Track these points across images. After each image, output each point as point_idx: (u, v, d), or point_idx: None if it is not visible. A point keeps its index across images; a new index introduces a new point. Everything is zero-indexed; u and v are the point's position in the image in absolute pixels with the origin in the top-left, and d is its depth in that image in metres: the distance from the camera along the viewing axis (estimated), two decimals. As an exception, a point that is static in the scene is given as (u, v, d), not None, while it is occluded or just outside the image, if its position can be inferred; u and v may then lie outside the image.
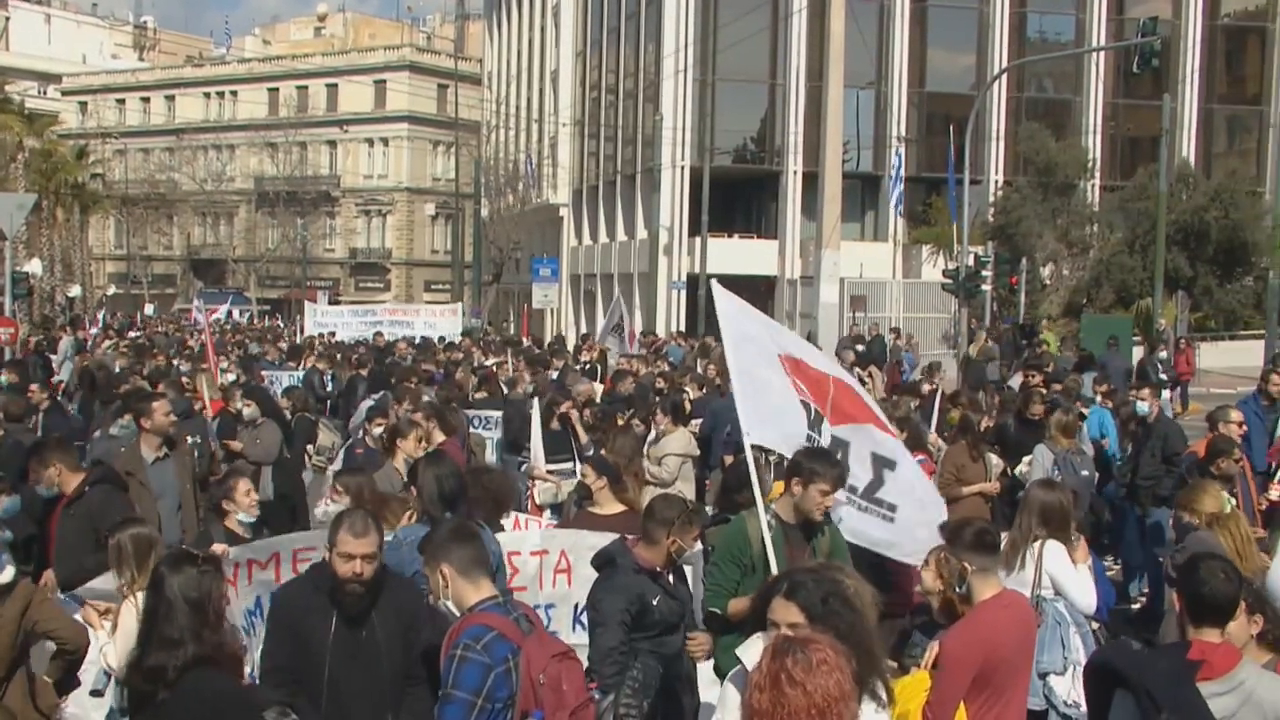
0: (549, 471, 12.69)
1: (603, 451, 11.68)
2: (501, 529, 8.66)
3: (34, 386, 15.38)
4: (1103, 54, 50.61)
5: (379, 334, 33.10)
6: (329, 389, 22.13)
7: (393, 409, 13.84)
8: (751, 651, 4.54)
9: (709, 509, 10.32)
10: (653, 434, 13.71)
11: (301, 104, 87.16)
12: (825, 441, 7.94)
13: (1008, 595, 6.21)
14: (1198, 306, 41.28)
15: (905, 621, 6.91)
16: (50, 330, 40.63)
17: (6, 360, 21.44)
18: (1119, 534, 13.80)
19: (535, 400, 14.51)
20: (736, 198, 51.36)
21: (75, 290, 59.09)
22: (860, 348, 29.66)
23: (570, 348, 33.61)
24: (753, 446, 7.85)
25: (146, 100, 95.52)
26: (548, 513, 11.89)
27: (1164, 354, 22.77)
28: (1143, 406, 13.76)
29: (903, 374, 22.97)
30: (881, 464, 8.33)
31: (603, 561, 6.86)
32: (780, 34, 49.74)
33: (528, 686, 5.10)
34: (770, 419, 7.87)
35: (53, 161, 59.13)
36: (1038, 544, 7.91)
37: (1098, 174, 49.51)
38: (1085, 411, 14.88)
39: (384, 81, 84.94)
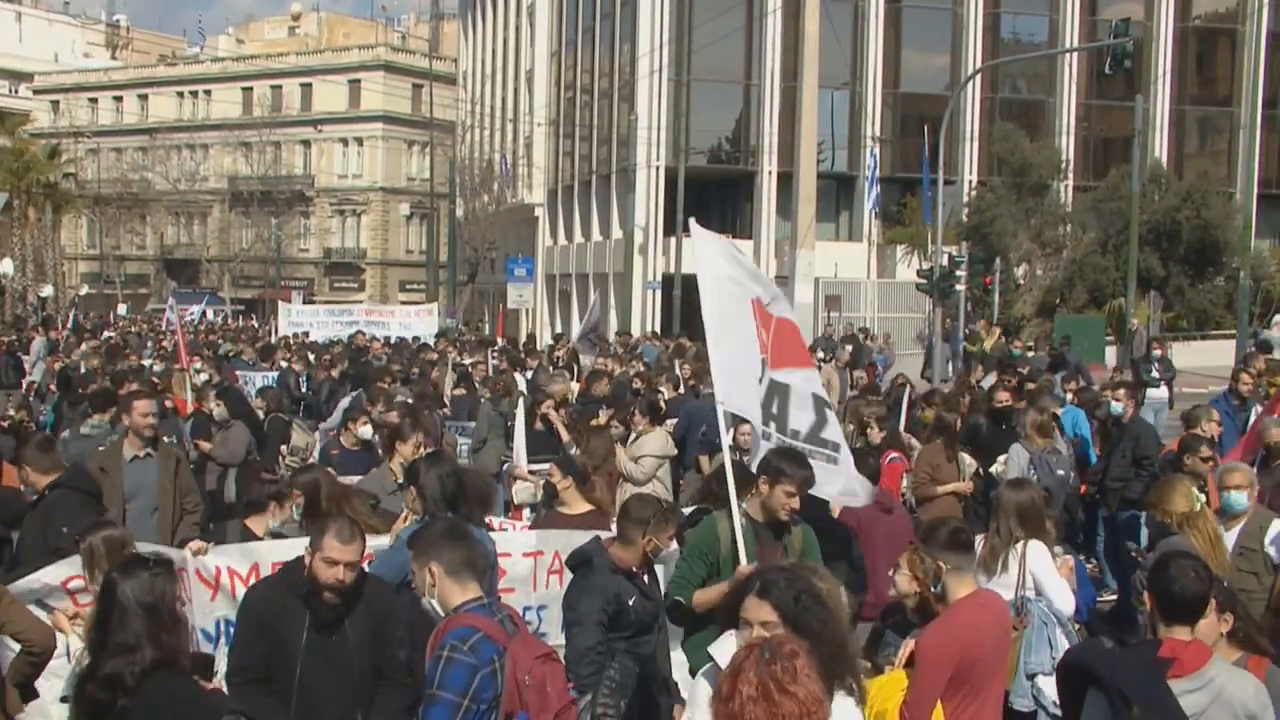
0: (531, 471, 12.68)
1: (576, 451, 11.70)
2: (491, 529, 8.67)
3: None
4: (1076, 55, 50.82)
5: (359, 333, 32.99)
6: (304, 390, 22.06)
7: (367, 409, 13.83)
8: (724, 649, 4.55)
9: (684, 509, 10.32)
10: (631, 435, 13.71)
11: (276, 103, 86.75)
12: (764, 388, 8.05)
13: (983, 594, 6.23)
14: (1170, 306, 41.51)
15: (877, 622, 6.93)
16: (22, 331, 40.36)
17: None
18: (1092, 533, 13.86)
19: (520, 401, 14.52)
20: (711, 198, 51.37)
21: (47, 290, 58.87)
22: (850, 347, 29.69)
23: (543, 347, 33.65)
24: (729, 447, 7.90)
25: (119, 99, 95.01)
26: (527, 512, 11.87)
27: (1158, 352, 22.78)
28: (1116, 406, 13.80)
29: (877, 375, 23.02)
30: (823, 404, 8.50)
31: (578, 561, 6.86)
32: (755, 34, 49.79)
33: (513, 688, 5.11)
34: (740, 379, 7.91)
35: (24, 161, 58.92)
36: (1019, 545, 7.94)
37: (1071, 174, 49.73)
38: (1058, 411, 14.93)
39: (358, 81, 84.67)
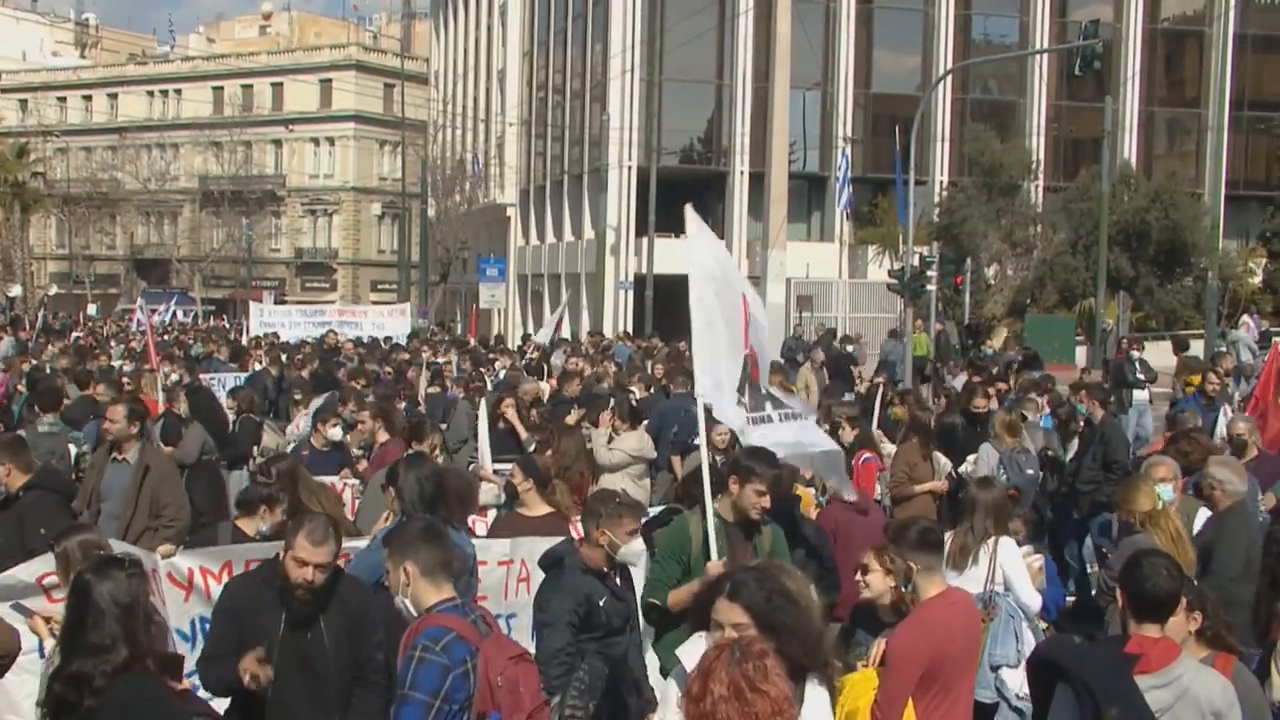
0: (495, 472, 12.67)
1: (549, 453, 11.68)
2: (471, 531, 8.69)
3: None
4: (1046, 56, 51.07)
5: (331, 333, 32.85)
6: (279, 390, 21.94)
7: (339, 410, 13.81)
8: (693, 651, 4.57)
9: (655, 509, 10.33)
10: (606, 434, 13.70)
11: (246, 103, 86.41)
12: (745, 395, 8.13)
13: (953, 593, 6.27)
14: (1139, 306, 41.73)
15: (846, 622, 6.96)
16: (-10, 331, 40.03)
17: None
18: (1059, 533, 13.92)
19: (482, 400, 14.48)
20: (683, 198, 50.32)
21: (16, 290, 58.48)
22: (849, 347, 29.68)
23: (514, 347, 33.61)
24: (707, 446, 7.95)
25: (89, 98, 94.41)
26: (492, 513, 11.85)
27: (1142, 355, 22.87)
28: (1083, 407, 13.87)
29: (895, 375, 23.25)
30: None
31: (550, 562, 6.85)
32: (727, 35, 49.87)
33: (485, 688, 5.11)
34: (721, 374, 7.95)
35: (-8, 160, 58.48)
36: (991, 540, 8.07)
37: (1041, 175, 49.94)
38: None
39: (330, 80, 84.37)
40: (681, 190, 50.64)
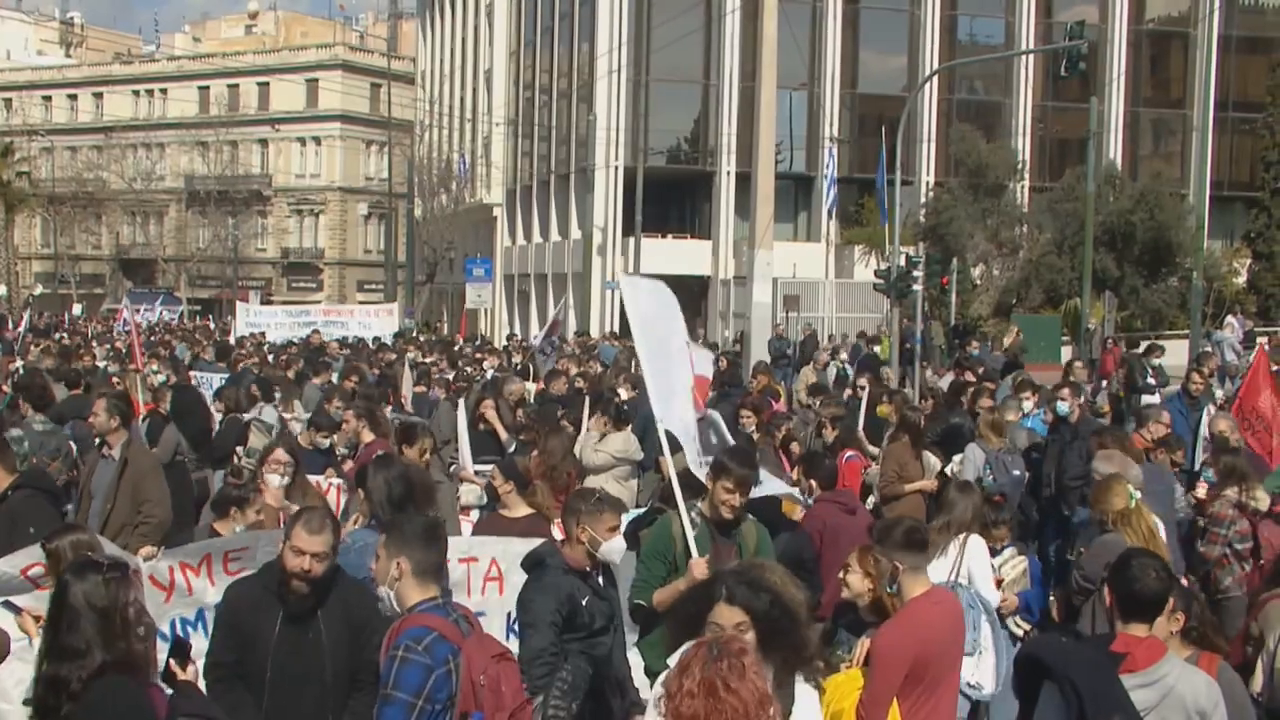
0: (475, 472, 12.66)
1: (534, 453, 11.68)
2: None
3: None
4: (1032, 57, 51.19)
5: (315, 332, 32.82)
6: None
7: (325, 405, 13.83)
8: None
9: (641, 509, 10.35)
10: (595, 435, 13.70)
11: (232, 102, 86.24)
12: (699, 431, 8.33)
13: (937, 592, 6.28)
14: (1124, 306, 41.82)
15: (828, 622, 6.98)
16: (-25, 331, 39.94)
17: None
18: (1044, 533, 13.95)
19: (461, 401, 14.48)
20: (670, 198, 51.44)
21: (0, 290, 58.22)
22: (842, 355, 29.67)
23: (500, 347, 33.60)
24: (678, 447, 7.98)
25: (74, 97, 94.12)
26: (475, 513, 11.86)
27: (1156, 361, 22.77)
28: (1063, 406, 13.90)
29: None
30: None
31: (533, 563, 6.84)
32: (713, 35, 49.89)
33: (468, 688, 5.11)
34: (674, 398, 8.05)
35: (-23, 159, 58.27)
36: (962, 535, 8.19)
37: (1027, 175, 50.03)
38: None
39: (316, 80, 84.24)
40: (668, 190, 51.08)
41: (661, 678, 4.86)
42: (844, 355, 28.88)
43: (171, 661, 5.28)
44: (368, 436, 11.96)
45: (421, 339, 36.37)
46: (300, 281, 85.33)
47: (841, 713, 5.65)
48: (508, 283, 61.42)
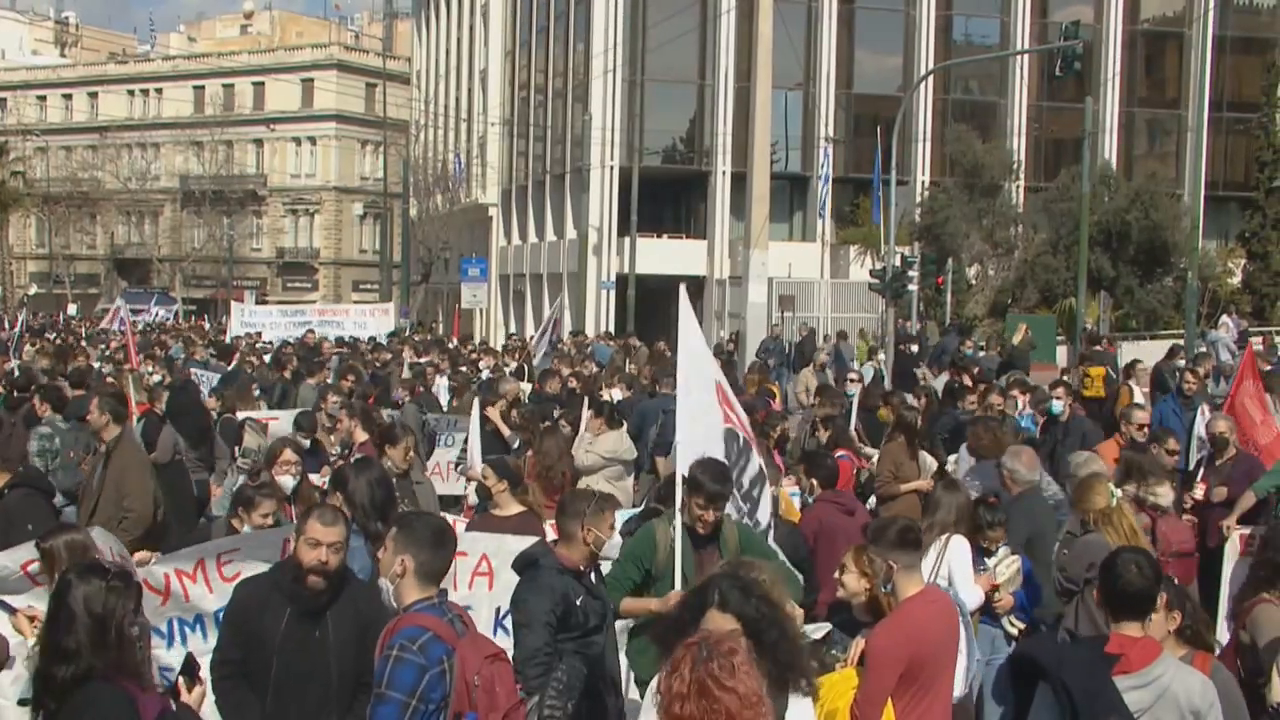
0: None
1: (529, 453, 11.69)
2: None
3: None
4: (1027, 57, 51.20)
5: (310, 332, 32.80)
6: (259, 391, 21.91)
7: (320, 405, 13.83)
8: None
9: (634, 510, 10.35)
10: (584, 435, 13.71)
11: (227, 102, 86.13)
12: (752, 469, 8.26)
13: (931, 592, 6.29)
14: (1119, 306, 41.85)
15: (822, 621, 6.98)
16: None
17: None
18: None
19: (475, 401, 14.50)
20: (665, 198, 51.45)
21: (-5, 290, 58.13)
22: (826, 357, 29.61)
23: (498, 347, 33.57)
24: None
25: (69, 97, 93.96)
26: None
27: (1181, 362, 22.63)
28: (1056, 405, 13.93)
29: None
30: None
31: (524, 564, 6.81)
32: (709, 35, 49.89)
33: (462, 688, 5.11)
34: (702, 446, 7.93)
35: (-28, 159, 58.20)
36: (944, 536, 8.18)
37: (1022, 175, 50.04)
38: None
39: (311, 80, 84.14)
40: (663, 190, 51.05)
41: (655, 680, 4.88)
42: (825, 357, 28.66)
43: (180, 680, 5.32)
44: (361, 436, 11.96)
45: (417, 339, 36.33)
46: (295, 281, 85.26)
47: (836, 712, 5.65)
48: (503, 283, 61.39)
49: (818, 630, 6.37)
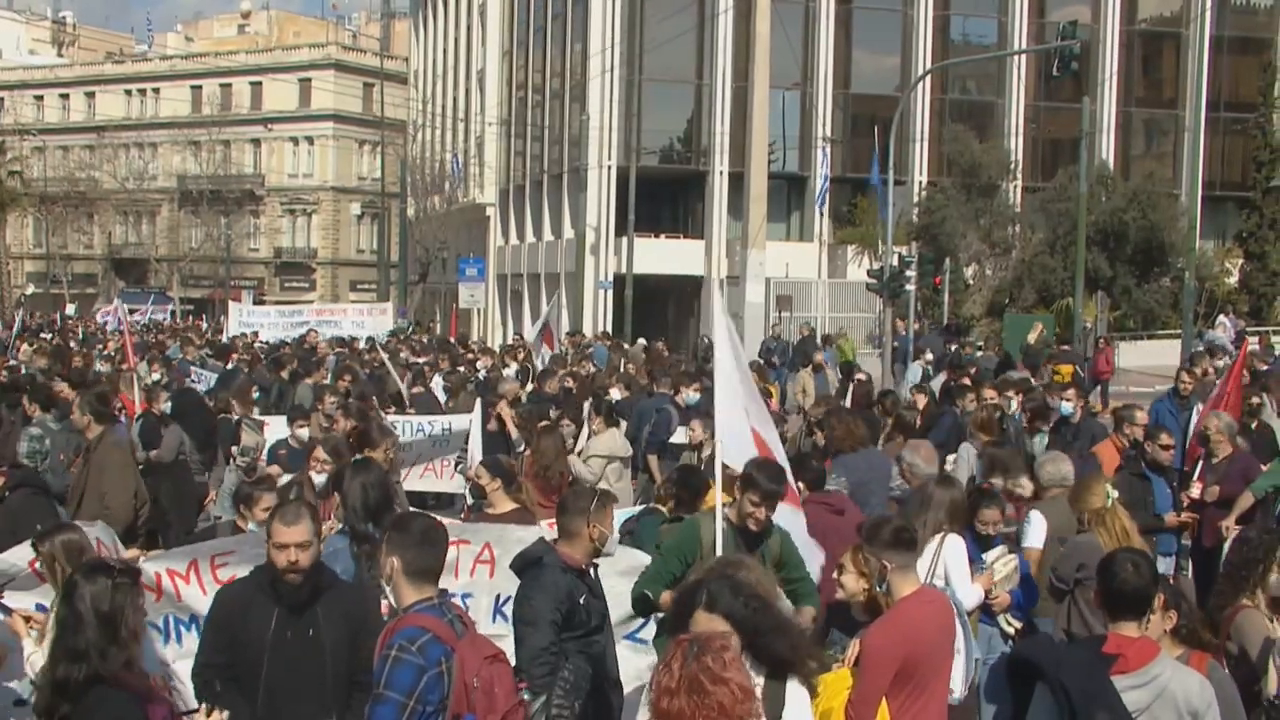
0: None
1: (527, 452, 11.70)
2: None
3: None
4: (1024, 57, 51.20)
5: (312, 331, 32.80)
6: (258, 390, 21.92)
7: (317, 406, 13.84)
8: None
9: (634, 510, 10.36)
10: (583, 434, 13.74)
11: (225, 102, 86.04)
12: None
13: (926, 591, 6.29)
14: (1117, 306, 41.88)
15: (823, 622, 6.99)
16: (-33, 332, 39.82)
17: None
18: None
19: (477, 401, 14.53)
20: (663, 198, 51.43)
21: (-8, 290, 58.05)
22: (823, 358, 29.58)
23: (497, 347, 33.55)
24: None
25: (66, 97, 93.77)
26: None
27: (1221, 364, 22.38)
28: (1066, 407, 13.92)
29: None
30: None
31: (526, 563, 6.79)
32: (706, 35, 49.87)
33: (460, 689, 5.12)
34: (747, 436, 8.00)
35: (-31, 159, 58.14)
36: (939, 535, 8.15)
37: (1020, 175, 50.09)
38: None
39: (309, 80, 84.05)
40: (661, 190, 51.02)
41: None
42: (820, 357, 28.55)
43: (202, 708, 5.39)
44: (356, 436, 11.96)
45: (414, 339, 36.33)
46: (293, 281, 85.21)
47: (831, 712, 5.66)
48: (500, 282, 61.36)
49: None
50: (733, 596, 4.80)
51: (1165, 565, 10.65)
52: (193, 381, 20.09)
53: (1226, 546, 9.74)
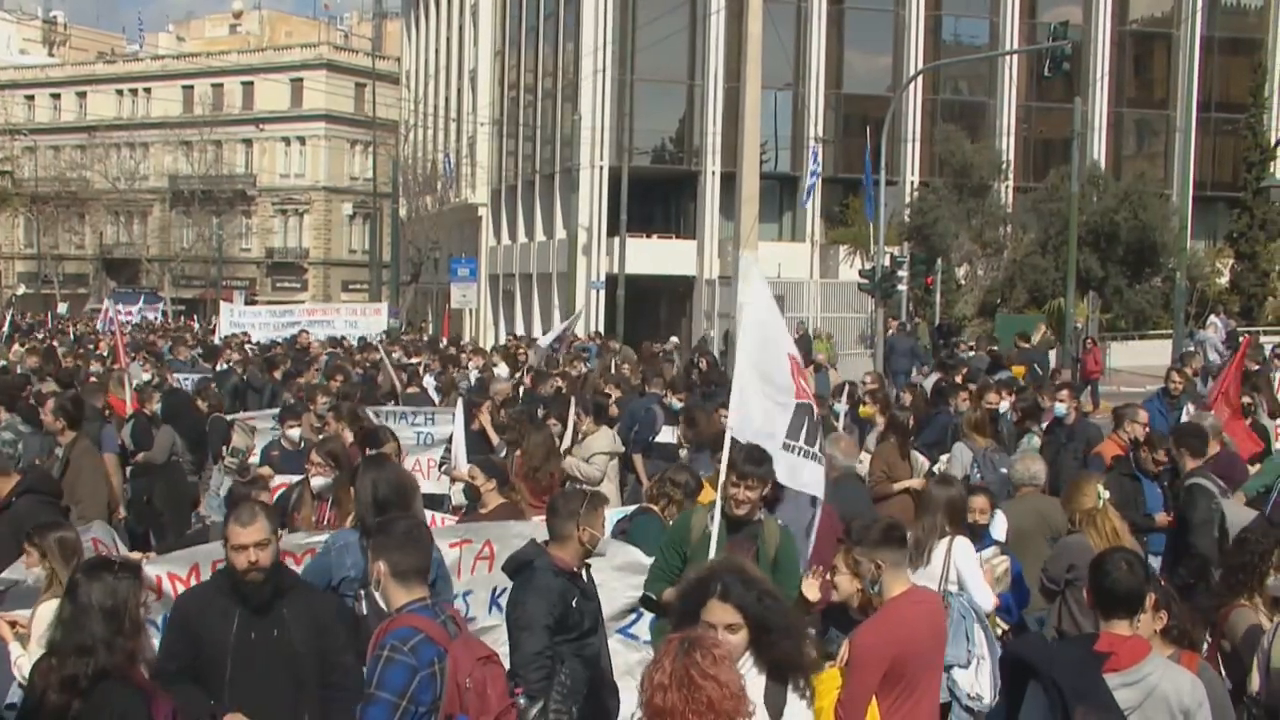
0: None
1: (518, 452, 11.69)
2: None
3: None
4: (1016, 57, 51.25)
5: (303, 332, 32.74)
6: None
7: (309, 407, 13.82)
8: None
9: (627, 509, 10.36)
10: (570, 434, 13.72)
11: (217, 102, 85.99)
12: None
13: (917, 591, 6.29)
14: (1108, 306, 41.94)
15: (819, 622, 6.99)
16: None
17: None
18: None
19: (460, 401, 14.49)
20: (655, 198, 51.42)
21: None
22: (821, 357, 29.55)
23: (488, 347, 33.53)
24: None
25: (57, 97, 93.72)
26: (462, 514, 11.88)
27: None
28: (1060, 408, 13.94)
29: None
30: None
31: (518, 566, 6.77)
32: (698, 35, 49.89)
33: (453, 690, 5.12)
34: (754, 417, 7.84)
35: (-41, 159, 58.07)
36: (946, 540, 8.11)
37: (1011, 175, 50.13)
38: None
39: (300, 80, 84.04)
40: (653, 190, 51.01)
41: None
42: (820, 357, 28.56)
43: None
44: (349, 436, 11.96)
45: (407, 339, 36.30)
46: (285, 281, 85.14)
47: (820, 712, 5.66)
48: (493, 282, 61.33)
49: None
50: (745, 589, 4.80)
51: (1155, 565, 10.66)
52: (177, 383, 20.02)
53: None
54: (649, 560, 8.09)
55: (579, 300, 47.31)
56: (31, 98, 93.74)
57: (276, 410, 15.04)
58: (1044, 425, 14.30)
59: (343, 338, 33.10)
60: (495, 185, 62.32)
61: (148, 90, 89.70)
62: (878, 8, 51.97)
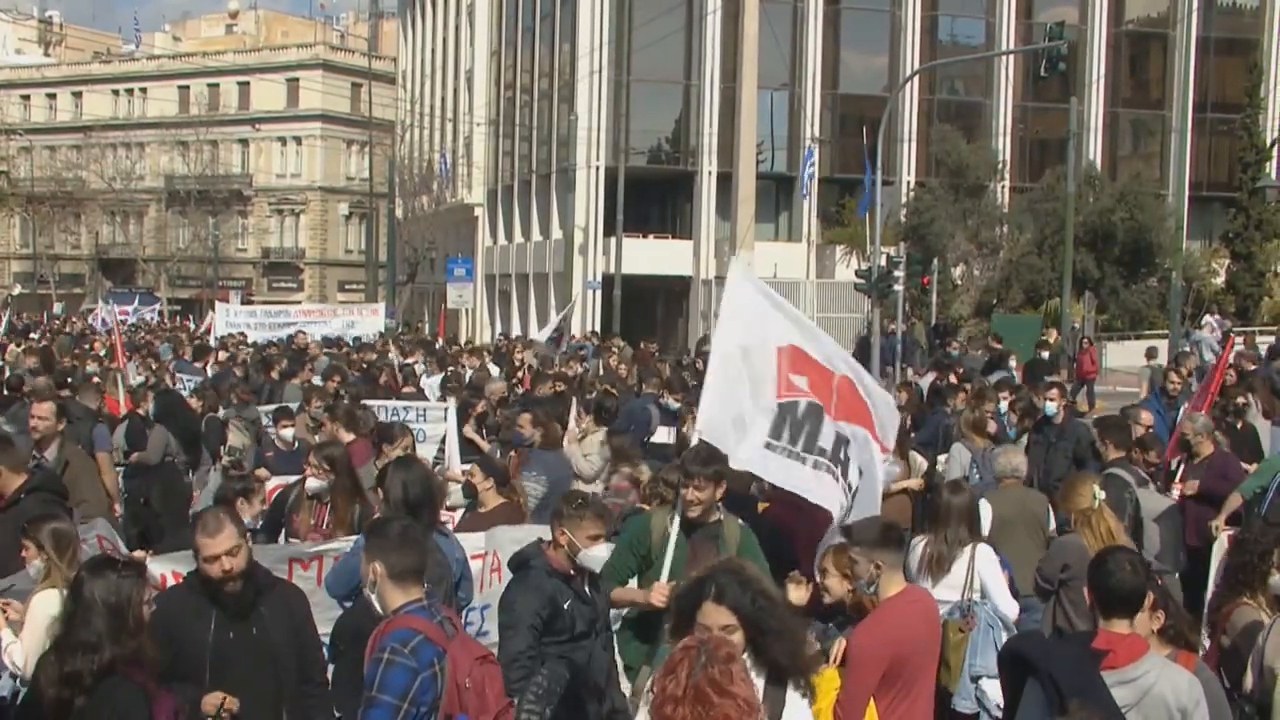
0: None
1: (512, 453, 11.69)
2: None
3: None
4: (1012, 57, 51.30)
5: (300, 332, 32.71)
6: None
7: (305, 407, 13.82)
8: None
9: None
10: (577, 433, 13.71)
11: (213, 102, 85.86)
12: (827, 435, 7.55)
13: (913, 591, 6.29)
14: (1104, 306, 41.97)
15: (816, 621, 6.97)
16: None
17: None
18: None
19: (451, 402, 14.48)
20: (651, 198, 51.42)
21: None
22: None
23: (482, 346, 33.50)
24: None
25: (53, 97, 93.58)
26: (459, 513, 11.85)
27: (1158, 361, 22.09)
28: (1050, 407, 13.94)
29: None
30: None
31: (517, 564, 6.81)
32: (695, 35, 49.86)
33: (453, 691, 5.11)
34: (730, 420, 7.42)
35: (-45, 159, 58.03)
36: (968, 548, 8.06)
37: (1008, 176, 50.17)
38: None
39: (297, 80, 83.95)
40: (649, 190, 50.99)
41: (650, 679, 4.87)
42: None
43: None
44: (346, 437, 11.95)
45: (404, 339, 36.26)
46: (281, 282, 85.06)
47: (819, 712, 5.65)
48: (489, 282, 61.33)
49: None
50: (741, 590, 4.77)
51: (1150, 564, 10.69)
52: (183, 384, 20.02)
53: (1215, 546, 9.78)
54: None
55: (575, 301, 47.32)
56: (27, 97, 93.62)
57: (270, 409, 15.04)
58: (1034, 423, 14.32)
59: (339, 338, 33.07)
60: (491, 185, 62.32)
61: (143, 90, 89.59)
62: (874, 8, 51.98)
